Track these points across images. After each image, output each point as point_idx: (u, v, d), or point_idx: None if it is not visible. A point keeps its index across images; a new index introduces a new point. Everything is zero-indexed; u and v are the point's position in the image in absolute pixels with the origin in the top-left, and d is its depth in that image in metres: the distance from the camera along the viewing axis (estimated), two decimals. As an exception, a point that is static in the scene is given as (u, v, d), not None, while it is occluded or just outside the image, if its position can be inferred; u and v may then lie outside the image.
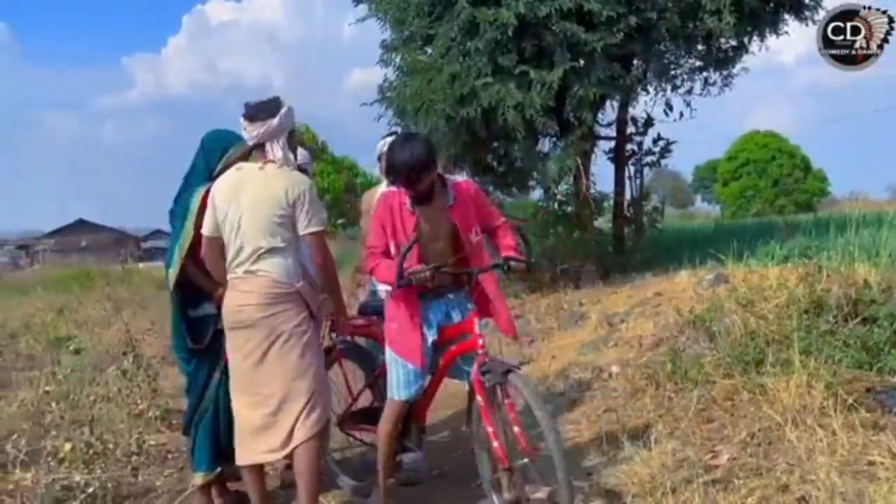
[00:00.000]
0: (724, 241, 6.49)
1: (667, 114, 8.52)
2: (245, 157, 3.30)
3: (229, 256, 3.19)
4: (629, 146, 8.73)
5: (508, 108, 7.05)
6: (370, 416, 3.88)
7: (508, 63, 7.12)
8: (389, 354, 3.40)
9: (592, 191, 8.65)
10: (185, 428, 3.69)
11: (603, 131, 8.87)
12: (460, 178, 3.59)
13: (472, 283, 3.33)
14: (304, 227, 3.14)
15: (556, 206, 8.98)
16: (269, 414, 3.13)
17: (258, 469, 3.28)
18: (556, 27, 6.96)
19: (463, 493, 3.75)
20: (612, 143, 8.80)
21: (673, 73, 8.34)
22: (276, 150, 3.18)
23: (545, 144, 8.75)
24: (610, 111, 8.74)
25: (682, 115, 8.58)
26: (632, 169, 8.78)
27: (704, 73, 8.54)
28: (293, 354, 3.13)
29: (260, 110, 3.17)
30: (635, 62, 7.83)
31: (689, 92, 8.57)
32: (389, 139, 3.93)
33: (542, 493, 2.96)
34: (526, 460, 3.04)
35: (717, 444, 3.53)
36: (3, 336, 8.49)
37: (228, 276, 3.21)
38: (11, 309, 11.25)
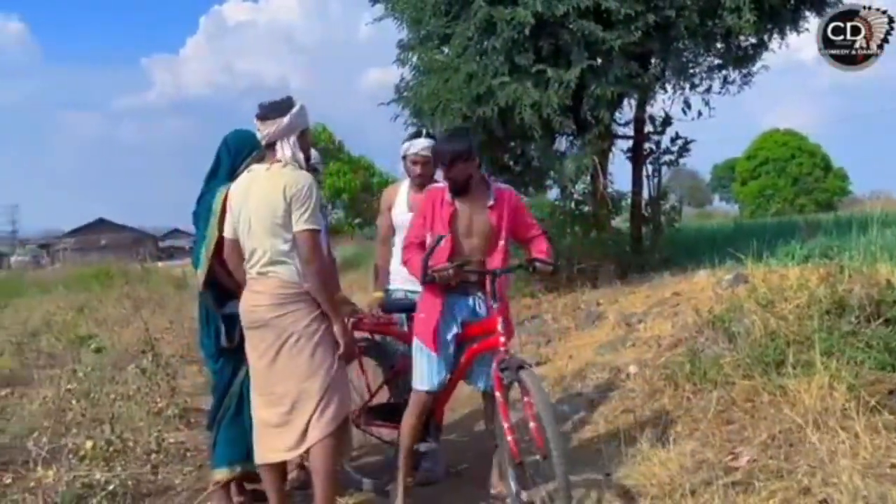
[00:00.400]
0: (744, 240, 6.43)
1: (685, 112, 8.45)
2: (262, 158, 3.33)
3: (245, 257, 3.23)
4: (647, 145, 8.66)
5: (525, 107, 7.03)
6: (387, 413, 3.91)
7: (525, 62, 7.10)
8: (415, 343, 3.48)
9: (610, 190, 8.60)
10: (210, 425, 3.71)
11: (620, 130, 8.82)
12: (506, 186, 3.65)
13: (493, 283, 3.37)
14: (295, 224, 3.10)
15: (573, 205, 8.94)
16: (284, 413, 3.15)
17: (276, 468, 3.30)
18: (574, 26, 6.93)
19: (479, 492, 3.75)
20: (630, 142, 8.74)
21: (691, 71, 8.27)
22: (285, 149, 3.17)
23: (562, 143, 8.71)
24: (627, 110, 8.67)
25: (700, 113, 8.50)
26: (649, 168, 8.71)
27: (723, 72, 8.46)
28: (304, 355, 3.14)
29: (272, 109, 3.18)
30: (653, 60, 7.77)
31: (708, 90, 8.49)
32: (415, 140, 4.08)
33: None
34: (538, 457, 3.06)
35: (736, 445, 3.50)
36: (25, 334, 8.59)
37: (247, 277, 3.25)
38: (33, 307, 11.39)
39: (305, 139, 3.28)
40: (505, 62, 7.15)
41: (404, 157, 4.15)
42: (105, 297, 12.78)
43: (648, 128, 8.63)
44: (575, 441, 4.40)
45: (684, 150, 8.68)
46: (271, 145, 3.20)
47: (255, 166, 3.29)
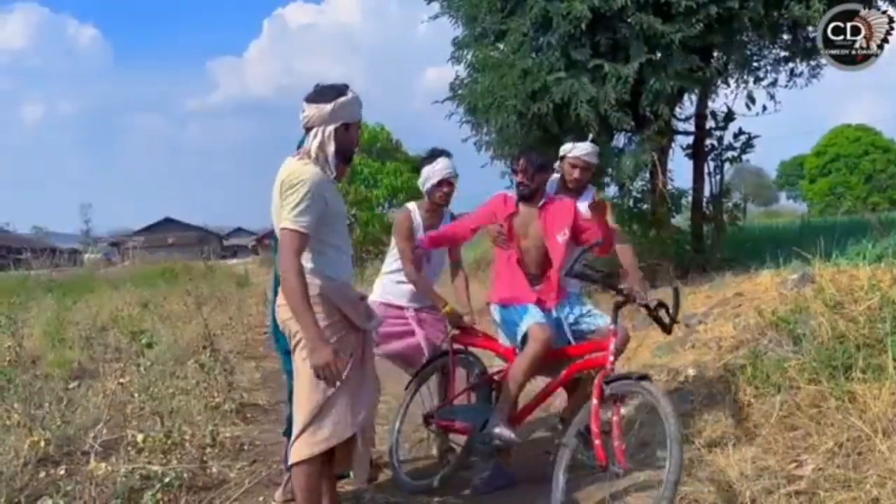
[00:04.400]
0: (811, 239, 6.18)
1: (749, 107, 8.16)
2: None
3: None
4: (708, 141, 8.43)
5: (581, 103, 6.90)
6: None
7: (582, 57, 6.98)
8: (504, 310, 3.77)
9: (669, 187, 8.40)
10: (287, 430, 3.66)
11: (681, 126, 8.60)
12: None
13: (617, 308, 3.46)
14: (281, 218, 2.81)
15: (631, 203, 8.76)
16: None
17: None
18: (632, 19, 6.78)
19: (539, 490, 3.67)
20: (691, 138, 8.53)
21: (756, 64, 8.02)
22: (317, 137, 2.90)
23: (620, 140, 8.53)
24: (688, 105, 8.47)
25: (765, 108, 8.22)
26: (711, 165, 8.48)
27: (790, 64, 8.17)
28: (307, 364, 2.87)
29: (320, 93, 2.93)
30: (715, 54, 7.55)
31: (774, 84, 8.21)
32: (434, 162, 4.14)
33: None
34: (620, 470, 3.14)
35: (800, 453, 3.36)
36: (94, 329, 8.88)
37: None
38: (103, 303, 11.78)
39: (351, 134, 3.00)
40: (561, 57, 7.05)
41: (438, 183, 4.13)
42: (169, 293, 13.15)
43: (710, 123, 8.39)
44: (630, 445, 4.29)
45: (748, 146, 8.40)
46: (309, 131, 2.95)
47: (288, 158, 3.01)
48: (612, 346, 3.33)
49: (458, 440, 4.00)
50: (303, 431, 2.92)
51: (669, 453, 2.94)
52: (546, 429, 4.77)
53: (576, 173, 4.04)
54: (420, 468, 4.21)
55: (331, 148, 2.92)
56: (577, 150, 4.01)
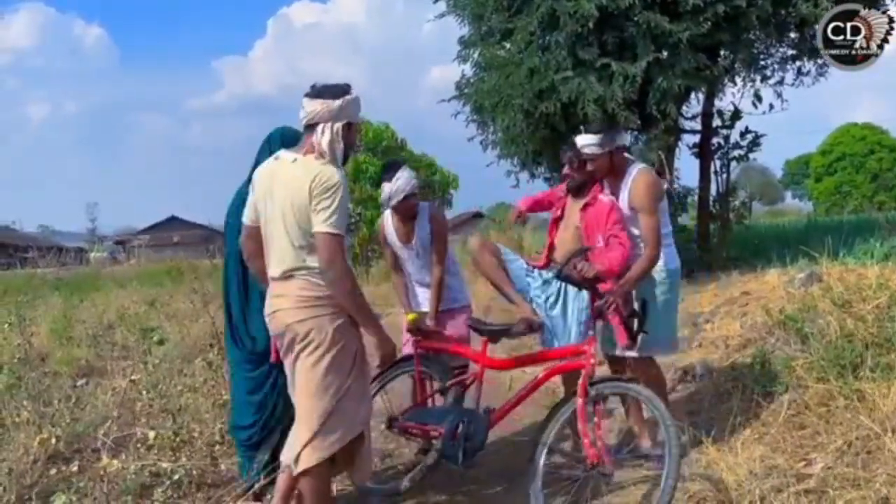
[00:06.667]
0: (818, 238, 6.19)
1: (756, 106, 8.18)
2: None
3: (266, 256, 2.97)
4: (715, 140, 8.45)
5: (589, 101, 6.92)
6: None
7: (589, 56, 6.99)
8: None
9: (676, 186, 8.41)
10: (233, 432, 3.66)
11: (687, 125, 8.62)
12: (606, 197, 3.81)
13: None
14: (315, 224, 2.75)
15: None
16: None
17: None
18: (640, 18, 6.79)
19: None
20: (697, 137, 8.53)
21: (763, 63, 8.05)
22: (325, 133, 2.81)
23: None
24: (695, 104, 8.49)
25: (771, 106, 8.24)
26: (717, 163, 8.50)
27: (797, 63, 8.18)
28: (317, 369, 2.82)
29: (326, 89, 2.86)
30: (722, 52, 7.57)
31: (780, 82, 8.25)
32: (395, 178, 4.01)
33: None
34: (607, 469, 3.14)
35: (809, 451, 3.35)
36: (101, 327, 8.89)
37: (269, 279, 2.98)
38: (109, 302, 11.79)
39: (352, 133, 2.93)
40: (568, 56, 7.06)
41: (404, 198, 4.03)
42: (175, 292, 13.13)
43: (716, 122, 8.41)
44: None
45: (754, 144, 8.42)
46: (312, 127, 2.85)
47: (282, 153, 2.95)
48: (591, 350, 3.32)
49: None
50: (313, 438, 2.86)
51: (667, 455, 2.94)
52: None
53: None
54: (388, 473, 4.15)
55: (339, 145, 2.85)
56: (577, 143, 3.83)
